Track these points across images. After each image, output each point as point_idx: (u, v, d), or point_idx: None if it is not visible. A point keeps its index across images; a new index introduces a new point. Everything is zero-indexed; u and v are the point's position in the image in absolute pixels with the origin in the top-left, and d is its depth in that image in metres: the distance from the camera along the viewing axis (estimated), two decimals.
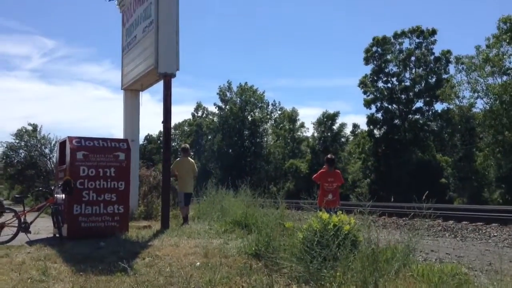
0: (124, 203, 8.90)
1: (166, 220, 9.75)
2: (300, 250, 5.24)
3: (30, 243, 7.82)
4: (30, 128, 30.56)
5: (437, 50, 44.47)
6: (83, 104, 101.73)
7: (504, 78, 34.27)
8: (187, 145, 12.59)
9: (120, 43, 13.00)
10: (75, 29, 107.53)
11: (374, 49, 45.51)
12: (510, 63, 34.09)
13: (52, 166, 26.70)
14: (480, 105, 37.27)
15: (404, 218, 14.00)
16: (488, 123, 34.57)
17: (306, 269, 4.88)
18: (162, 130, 10.53)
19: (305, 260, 4.99)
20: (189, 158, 11.31)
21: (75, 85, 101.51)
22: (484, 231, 11.53)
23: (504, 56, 33.92)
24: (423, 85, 44.42)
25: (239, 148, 59.42)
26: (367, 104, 45.64)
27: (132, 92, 12.81)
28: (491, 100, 34.81)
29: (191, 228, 9.39)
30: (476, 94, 36.08)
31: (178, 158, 10.89)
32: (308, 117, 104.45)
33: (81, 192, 8.50)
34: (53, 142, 28.76)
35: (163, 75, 10.09)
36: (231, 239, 7.79)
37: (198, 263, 5.74)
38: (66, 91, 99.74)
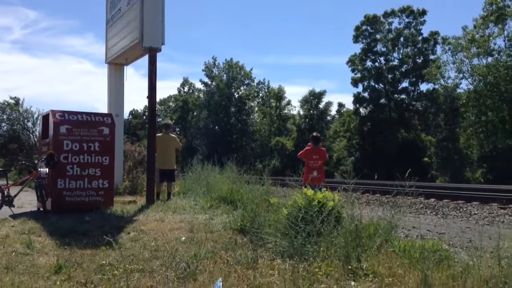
0: (109, 178, 8.86)
1: (151, 196, 9.77)
2: (285, 225, 5.30)
3: (14, 216, 7.77)
4: (12, 101, 30.06)
5: (425, 30, 44.63)
6: (67, 77, 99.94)
7: (489, 59, 34.55)
8: (170, 121, 12.49)
9: (104, 15, 12.74)
10: (58, 0, 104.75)
11: (364, 27, 45.38)
12: (495, 44, 34.33)
13: (35, 140, 26.36)
14: (464, 85, 37.75)
15: (387, 196, 14.20)
16: (472, 104, 34.95)
17: (290, 244, 4.94)
18: (147, 105, 10.44)
19: (290, 236, 5.05)
20: (171, 134, 11.20)
21: (58, 57, 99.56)
22: (465, 209, 11.75)
23: (490, 38, 34.08)
24: (410, 65, 44.58)
25: (225, 125, 59.29)
26: (355, 82, 45.75)
27: (116, 66, 12.62)
28: (476, 81, 35.13)
29: (177, 203, 9.40)
30: (461, 75, 36.42)
31: (159, 134, 10.77)
32: (295, 95, 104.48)
33: (65, 166, 8.42)
34: (36, 116, 28.36)
35: (148, 49, 9.94)
36: (217, 215, 7.84)
37: (183, 238, 5.77)
38: (48, 63, 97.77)
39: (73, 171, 8.51)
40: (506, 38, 33.56)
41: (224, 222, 6.78)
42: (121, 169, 12.23)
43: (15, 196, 8.35)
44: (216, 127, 59.73)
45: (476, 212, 11.21)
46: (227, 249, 5.11)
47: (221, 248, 5.15)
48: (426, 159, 40.56)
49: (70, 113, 8.87)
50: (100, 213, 7.94)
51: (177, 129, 59.46)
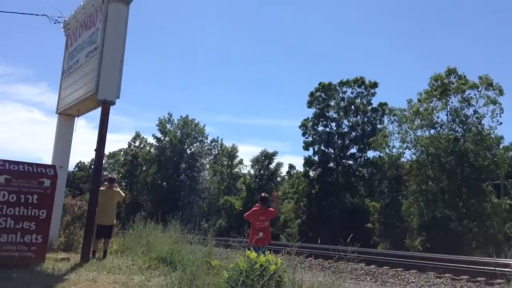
0: (43, 233, 8.42)
1: (86, 253, 9.33)
2: None
3: None
4: None
5: (375, 101, 47.21)
6: (13, 125, 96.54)
7: (432, 131, 36.61)
8: (114, 175, 12.23)
9: (60, 66, 12.68)
10: (14, 47, 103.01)
11: (318, 93, 47.38)
12: (438, 117, 36.52)
13: None
14: (408, 155, 39.47)
15: (329, 260, 14.28)
16: (414, 173, 36.50)
17: None
18: (94, 157, 10.23)
19: None
20: (114, 188, 10.93)
21: (6, 104, 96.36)
22: (403, 276, 12.00)
23: (434, 111, 36.32)
24: (358, 132, 46.56)
25: (174, 181, 58.44)
26: (306, 146, 47.05)
27: (67, 117, 12.44)
28: (418, 151, 36.95)
29: (113, 262, 9.02)
30: (405, 145, 38.21)
31: (102, 188, 10.50)
32: (247, 154, 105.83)
33: None
34: None
35: (102, 101, 9.90)
36: (154, 276, 7.58)
37: None
38: None
39: (6, 224, 8.06)
40: (449, 113, 35.84)
41: (161, 284, 6.56)
42: (58, 224, 11.68)
43: None
44: (164, 183, 58.72)
45: (413, 280, 11.47)
46: None
47: None
48: (369, 224, 41.39)
49: (11, 162, 8.54)
50: (29, 270, 7.48)
51: (123, 183, 57.91)
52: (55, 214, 9.72)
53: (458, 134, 35.13)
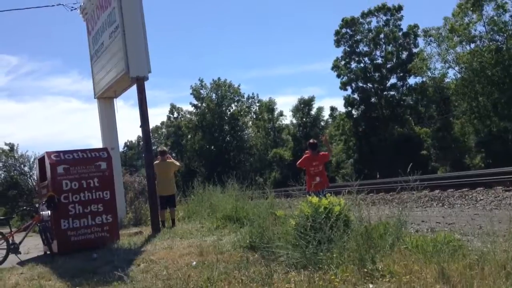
0: (112, 212, 8.79)
1: (156, 224, 9.69)
2: (294, 236, 5.25)
3: (22, 263, 7.67)
4: (6, 148, 30.00)
5: (404, 25, 44.95)
6: (56, 117, 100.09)
7: (472, 45, 34.84)
8: (163, 147, 12.49)
9: (87, 52, 12.82)
10: (37, 42, 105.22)
11: (343, 30, 45.73)
12: (475, 30, 34.64)
13: (34, 183, 26.22)
14: (451, 74, 37.90)
15: (391, 193, 14.17)
16: (461, 91, 35.14)
17: (302, 254, 4.89)
18: (141, 134, 10.43)
19: (301, 246, 5.00)
20: (167, 160, 11.19)
21: (45, 99, 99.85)
22: (470, 196, 11.74)
23: (470, 25, 34.41)
24: (394, 61, 44.88)
25: (221, 144, 59.20)
26: (343, 86, 45.97)
27: (106, 100, 12.65)
28: (462, 69, 35.38)
29: (183, 228, 9.33)
30: (447, 65, 36.66)
31: (156, 161, 10.79)
32: (286, 105, 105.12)
33: (66, 206, 8.36)
34: (32, 160, 28.23)
35: (136, 79, 9.96)
36: (224, 235, 7.78)
37: (194, 263, 5.71)
38: (36, 107, 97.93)
39: (75, 210, 8.45)
40: (486, 23, 33.87)
41: (233, 241, 6.72)
42: (123, 202, 12.16)
43: (20, 242, 8.25)
44: (212, 147, 59.62)
45: (482, 198, 11.20)
46: (239, 268, 5.05)
47: (234, 268, 5.09)
48: (424, 151, 40.62)
49: (65, 152, 8.84)
50: (107, 249, 7.86)
51: (173, 154, 59.32)
52: (118, 193, 10.08)
53: (499, 44, 33.22)
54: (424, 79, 41.50)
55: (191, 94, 60.55)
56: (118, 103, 12.68)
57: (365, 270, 4.27)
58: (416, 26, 43.56)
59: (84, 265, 6.61)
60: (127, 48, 9.88)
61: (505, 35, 32.99)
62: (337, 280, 4.11)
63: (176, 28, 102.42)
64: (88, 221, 8.51)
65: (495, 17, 33.10)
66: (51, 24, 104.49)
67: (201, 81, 60.63)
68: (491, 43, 33.44)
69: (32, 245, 9.67)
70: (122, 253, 7.34)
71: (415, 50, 43.42)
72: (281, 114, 61.98)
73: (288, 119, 61.26)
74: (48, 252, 8.30)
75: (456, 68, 36.20)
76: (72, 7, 12.93)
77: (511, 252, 3.78)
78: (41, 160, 9.31)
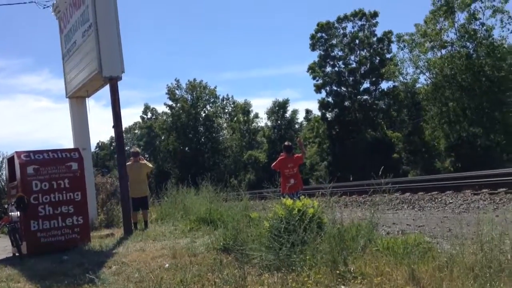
0: (83, 214, 8.63)
1: (128, 226, 9.56)
2: (268, 238, 5.28)
3: None
4: None
5: (379, 31, 45.75)
6: (27, 116, 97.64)
7: (443, 51, 35.72)
8: (136, 148, 12.35)
9: (59, 50, 12.60)
10: (8, 40, 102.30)
11: (319, 35, 46.20)
12: (447, 36, 35.53)
13: (3, 184, 25.48)
14: (423, 80, 38.80)
15: (364, 195, 14.35)
16: (432, 97, 35.98)
17: (276, 256, 4.92)
18: (113, 135, 10.29)
19: (274, 248, 5.03)
20: (140, 161, 11.07)
21: (15, 98, 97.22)
22: (440, 199, 12.00)
23: (442, 31, 35.28)
24: (368, 66, 45.57)
25: (195, 145, 58.88)
26: (318, 89, 46.41)
27: (77, 99, 12.42)
28: (433, 74, 36.22)
29: (156, 230, 9.24)
30: (418, 70, 37.49)
31: (128, 163, 10.66)
32: (261, 108, 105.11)
33: (36, 207, 8.17)
34: (0, 159, 27.43)
35: (109, 78, 9.82)
36: (198, 237, 7.74)
37: (167, 265, 5.66)
38: (6, 105, 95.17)
39: (45, 211, 8.26)
40: (457, 30, 34.78)
41: (206, 243, 6.69)
42: (94, 203, 11.95)
43: None
44: (187, 148, 59.24)
45: (451, 201, 11.46)
46: (213, 270, 5.03)
47: (207, 270, 5.07)
48: (395, 155, 41.37)
49: (35, 152, 8.65)
50: (78, 251, 7.72)
51: (146, 156, 58.67)
52: (89, 194, 9.92)
53: (470, 50, 34.21)
54: (396, 84, 42.35)
55: (166, 94, 60.05)
56: (90, 102, 12.47)
57: (338, 272, 4.33)
58: (390, 32, 44.41)
59: (54, 267, 6.47)
60: (100, 47, 9.73)
61: (475, 42, 33.96)
62: (310, 281, 4.15)
63: (151, 29, 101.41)
64: (59, 223, 8.33)
65: (466, 25, 34.05)
66: (22, 22, 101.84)
67: (177, 81, 60.23)
68: (462, 50, 34.35)
69: (1, 246, 9.43)
70: (93, 255, 7.22)
71: (388, 56, 44.28)
72: (256, 116, 62.22)
73: (263, 121, 61.54)
74: (17, 254, 8.09)
75: (427, 73, 37.08)
76: (45, 5, 12.69)
77: (479, 255, 3.88)
78: (11, 160, 9.08)
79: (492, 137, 31.67)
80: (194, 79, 60.41)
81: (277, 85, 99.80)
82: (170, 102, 60.40)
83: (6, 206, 9.11)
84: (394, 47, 42.75)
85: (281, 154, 10.01)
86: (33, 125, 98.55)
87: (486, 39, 33.51)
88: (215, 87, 61.12)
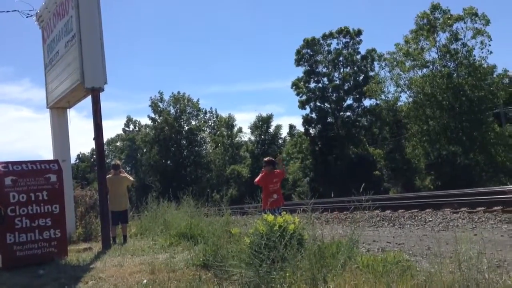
0: (61, 227, 8.45)
1: (107, 240, 9.40)
2: (248, 255, 5.24)
3: None
4: None
5: (363, 49, 46.54)
6: (6, 126, 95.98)
7: (424, 71, 36.40)
8: (117, 161, 12.23)
9: (40, 60, 12.47)
10: None
11: (304, 50, 46.75)
12: (429, 55, 36.23)
13: None
14: (404, 98, 39.41)
15: (345, 212, 14.42)
16: (413, 115, 36.52)
17: (255, 273, 4.88)
18: (94, 147, 10.16)
19: (254, 265, 4.99)
20: (120, 174, 10.96)
21: None
22: (419, 217, 12.11)
23: (423, 51, 35.98)
24: (351, 83, 46.18)
25: (177, 159, 58.49)
26: (302, 104, 46.78)
27: (58, 110, 12.27)
28: (414, 93, 36.83)
29: (135, 245, 9.10)
30: (399, 89, 38.11)
31: (109, 175, 10.53)
32: (245, 122, 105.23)
33: (13, 219, 7.97)
34: None
35: (91, 89, 9.74)
36: (177, 252, 7.64)
37: (145, 281, 5.57)
38: None
39: (22, 224, 8.06)
40: (438, 49, 35.51)
41: (186, 259, 6.61)
42: (73, 216, 11.74)
43: None
44: (169, 162, 58.79)
45: (430, 219, 11.58)
46: (192, 287, 4.97)
47: (186, 287, 5.01)
48: (377, 172, 41.74)
49: (14, 163, 8.47)
50: (54, 265, 7.54)
51: (128, 168, 58.03)
52: (68, 207, 9.72)
53: (450, 70, 34.94)
54: (378, 102, 42.94)
55: (149, 106, 59.70)
56: (71, 113, 12.32)
57: None
58: (373, 50, 45.23)
59: (30, 282, 6.31)
60: (83, 58, 9.66)
61: (456, 62, 34.71)
62: None
63: (135, 40, 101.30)
64: (35, 236, 8.13)
65: (448, 45, 34.83)
66: (3, 31, 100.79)
67: (161, 94, 60.00)
68: (443, 69, 35.05)
69: None
70: (70, 269, 7.06)
71: (371, 73, 44.96)
72: (240, 130, 62.23)
73: (247, 136, 61.57)
74: None
75: (408, 92, 37.68)
76: (28, 14, 12.56)
77: (457, 274, 3.91)
78: None
79: (472, 156, 32.18)
80: (178, 92, 60.32)
81: (261, 99, 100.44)
82: (153, 115, 60.09)
83: None
84: (376, 65, 43.54)
85: (262, 170, 9.98)
86: (13, 135, 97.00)
87: (467, 59, 34.28)
88: (198, 100, 61.08)
